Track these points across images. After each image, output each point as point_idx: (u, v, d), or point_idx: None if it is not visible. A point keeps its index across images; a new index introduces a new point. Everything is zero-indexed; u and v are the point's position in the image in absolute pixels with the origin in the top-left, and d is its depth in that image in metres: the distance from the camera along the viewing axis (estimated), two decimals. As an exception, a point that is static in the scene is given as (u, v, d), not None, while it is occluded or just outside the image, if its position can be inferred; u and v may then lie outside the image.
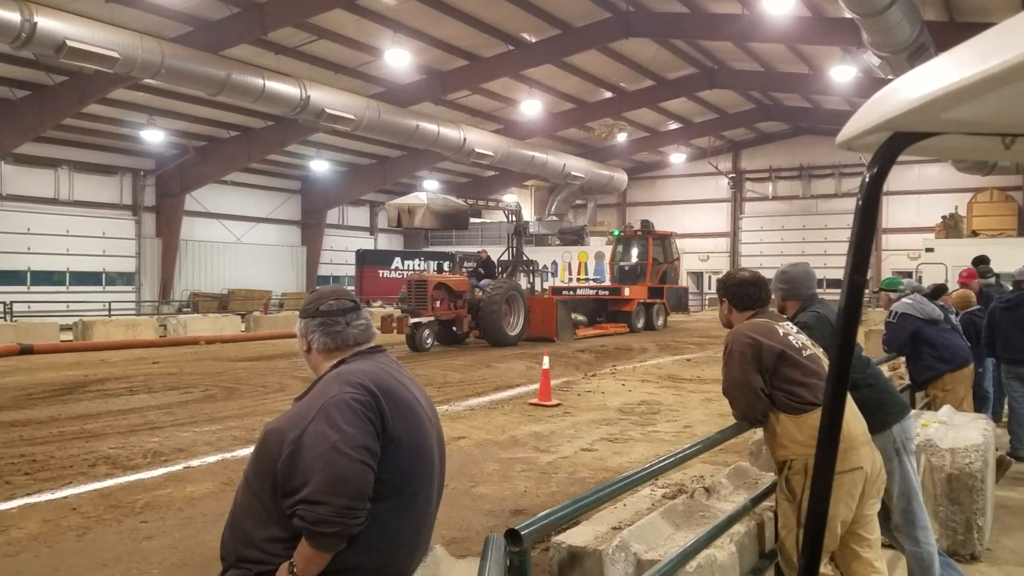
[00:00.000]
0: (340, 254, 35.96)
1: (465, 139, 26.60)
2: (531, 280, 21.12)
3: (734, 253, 40.42)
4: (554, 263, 34.11)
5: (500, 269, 20.23)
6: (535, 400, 10.36)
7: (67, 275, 26.77)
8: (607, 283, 26.13)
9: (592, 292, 24.41)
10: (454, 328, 18.05)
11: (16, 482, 6.42)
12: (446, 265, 29.83)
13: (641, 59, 25.50)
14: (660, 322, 24.13)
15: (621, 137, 32.80)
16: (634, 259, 25.26)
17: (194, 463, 7.16)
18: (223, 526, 2.60)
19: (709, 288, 39.69)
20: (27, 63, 19.18)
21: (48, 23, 15.32)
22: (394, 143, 27.98)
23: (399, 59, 21.28)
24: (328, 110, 21.47)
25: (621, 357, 16.41)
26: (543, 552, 3.82)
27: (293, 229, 34.95)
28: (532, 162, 30.73)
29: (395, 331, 16.56)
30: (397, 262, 33.94)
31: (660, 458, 3.22)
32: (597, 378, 12.85)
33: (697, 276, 41.15)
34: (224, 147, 27.89)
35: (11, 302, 22.66)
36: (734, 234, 40.71)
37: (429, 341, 17.12)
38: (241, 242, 32.38)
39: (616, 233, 27.14)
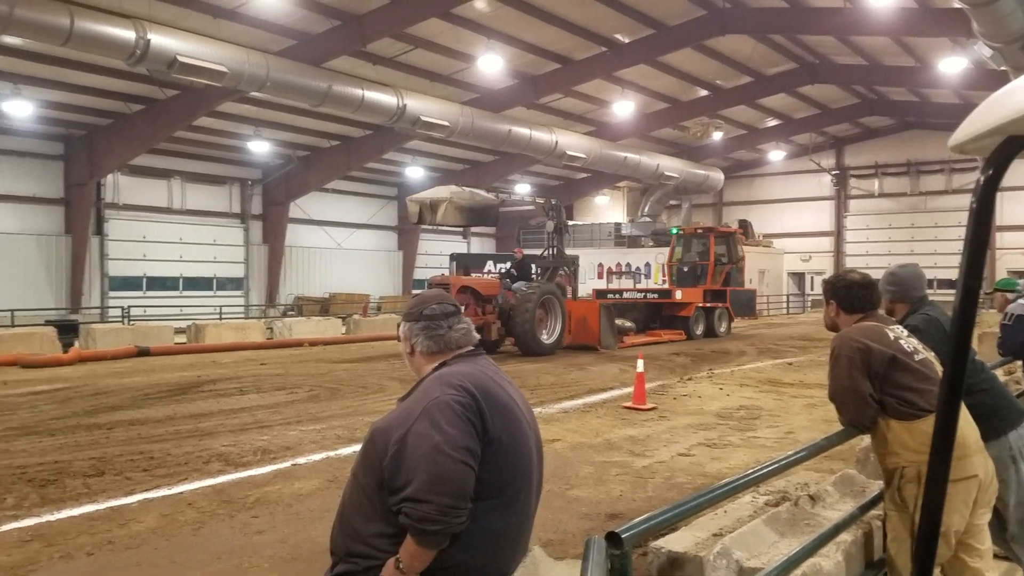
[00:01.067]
0: (435, 258, 36.55)
1: (557, 142, 26.65)
2: (571, 282, 19.25)
3: (838, 253, 39.07)
4: (647, 265, 33.73)
5: (538, 271, 18.61)
6: (629, 404, 10.29)
7: (180, 280, 28.14)
8: (664, 285, 24.82)
9: (640, 296, 22.28)
10: (482, 335, 17.16)
11: (135, 478, 6.79)
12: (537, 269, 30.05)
13: (738, 55, 24.98)
14: (723, 328, 22.12)
15: (717, 135, 32.21)
16: (694, 259, 23.46)
17: (301, 461, 7.41)
18: (330, 522, 2.70)
19: (812, 289, 38.49)
20: (141, 79, 20.26)
21: (161, 40, 16.17)
22: (487, 148, 28.30)
23: (492, 65, 21.50)
24: (423, 117, 21.90)
25: (719, 361, 16.10)
26: (641, 556, 3.80)
27: (390, 234, 35.75)
28: (624, 163, 30.50)
29: None
30: (490, 265, 34.28)
31: (763, 464, 3.15)
32: (693, 382, 12.65)
33: (798, 277, 39.97)
34: (325, 156, 28.80)
35: (129, 307, 24.01)
36: (838, 233, 39.35)
37: None
38: (341, 248, 33.33)
39: (674, 231, 25.19)
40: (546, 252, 18.83)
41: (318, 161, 29.05)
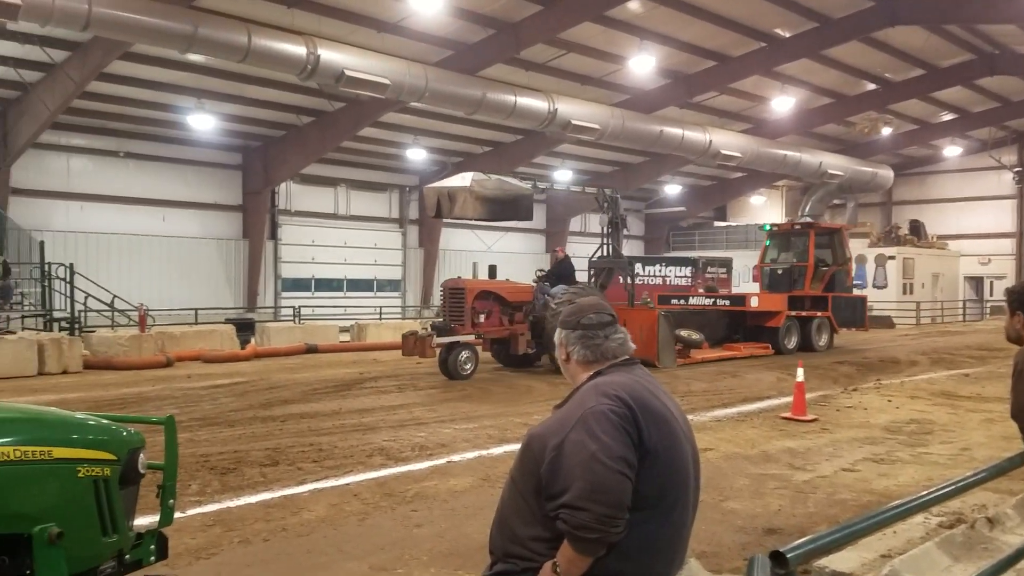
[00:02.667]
0: (581, 261, 36.62)
1: (711, 141, 26.01)
2: (628, 286, 16.54)
3: (1021, 256, 35.90)
4: (808, 268, 32.24)
5: (592, 273, 16.53)
6: (788, 414, 9.88)
7: (344, 282, 29.66)
8: (753, 291, 21.38)
9: (709, 303, 19.28)
10: (508, 348, 14.54)
11: (306, 468, 7.22)
12: (687, 271, 29.25)
13: (909, 47, 23.46)
14: (822, 341, 19.03)
15: (886, 131, 30.35)
16: (791, 261, 20.11)
17: (455, 458, 7.64)
18: (484, 519, 2.77)
19: (991, 295, 35.57)
20: (312, 92, 21.52)
21: (330, 55, 17.10)
22: (637, 149, 28.00)
23: (644, 65, 21.29)
24: (574, 121, 21.99)
25: (887, 371, 15.18)
26: (803, 575, 3.66)
27: (538, 237, 36.10)
28: (784, 161, 29.33)
29: (416, 354, 13.31)
30: (638, 268, 33.87)
31: (938, 485, 2.96)
32: (859, 393, 12.00)
33: (976, 281, 37.04)
34: (477, 162, 29.44)
35: (299, 307, 25.55)
36: (1021, 235, 36.15)
37: (469, 367, 13.47)
38: (491, 251, 34.00)
39: (766, 228, 21.60)
40: (600, 252, 16.54)
41: (470, 167, 29.68)
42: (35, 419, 2.80)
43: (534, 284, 15.13)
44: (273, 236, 27.75)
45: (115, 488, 2.84)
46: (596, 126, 22.59)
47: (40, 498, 2.60)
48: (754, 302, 18.55)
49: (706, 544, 5.10)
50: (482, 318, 13.89)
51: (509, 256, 34.43)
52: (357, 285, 29.87)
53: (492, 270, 15.81)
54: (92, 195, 23.19)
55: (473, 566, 4.54)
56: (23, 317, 17.58)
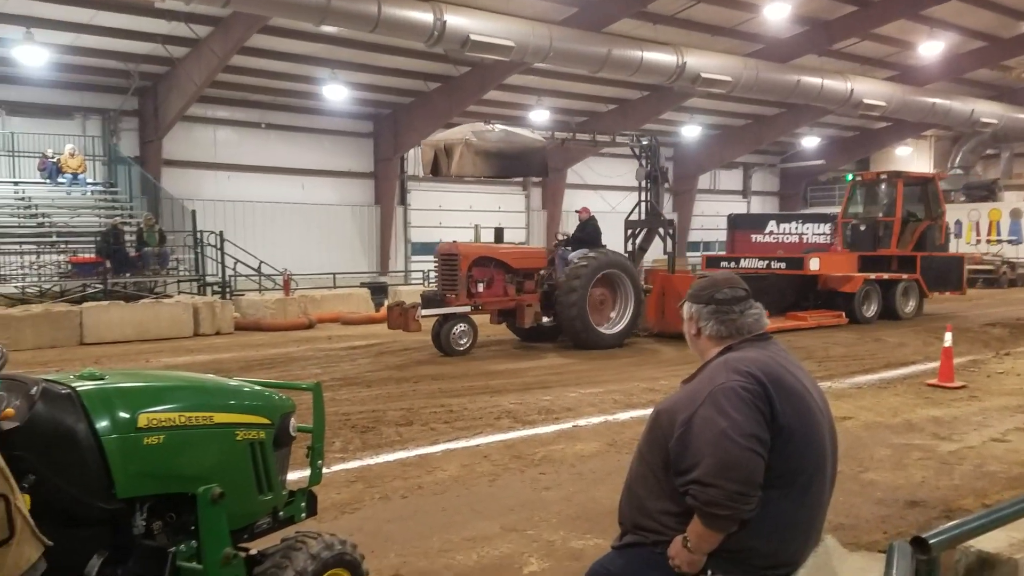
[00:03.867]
0: (711, 219, 35.66)
1: (852, 90, 24.63)
2: (668, 249, 14.82)
3: None
4: (958, 223, 30.22)
5: (632, 233, 14.87)
6: (934, 380, 9.39)
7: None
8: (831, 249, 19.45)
9: (763, 265, 16.89)
10: (513, 320, 13.07)
11: (439, 429, 7.49)
12: (826, 228, 27.95)
13: (1077, -21, 21.32)
14: (909, 307, 16.97)
15: (1047, 74, 27.84)
16: (876, 215, 18.00)
17: (581, 422, 7.72)
18: (611, 485, 2.82)
19: None
20: (438, 58, 21.79)
21: (456, 20, 17.24)
22: (771, 101, 26.85)
23: (779, 13, 20.30)
24: (704, 74, 21.31)
25: (1045, 334, 14.13)
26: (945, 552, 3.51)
27: (664, 196, 35.41)
28: (932, 110, 27.43)
29: (399, 327, 12.12)
30: (772, 226, 32.66)
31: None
32: (1011, 358, 11.24)
33: None
34: (602, 121, 29.10)
35: (428, 270, 26.21)
36: None
37: (465, 341, 12.13)
38: (615, 211, 33.59)
39: (849, 178, 19.47)
40: (638, 210, 14.86)
41: (594, 126, 29.41)
42: (198, 387, 3.04)
43: (552, 249, 13.78)
44: (403, 201, 28.49)
45: (269, 450, 3.05)
46: (728, 78, 21.81)
47: (203, 460, 2.82)
48: (814, 264, 16.28)
49: (844, 516, 4.97)
50: (481, 287, 12.43)
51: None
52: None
53: (498, 233, 14.06)
54: (237, 165, 24.42)
55: (601, 531, 4.61)
56: (178, 282, 18.88)
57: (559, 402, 8.69)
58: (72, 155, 20.13)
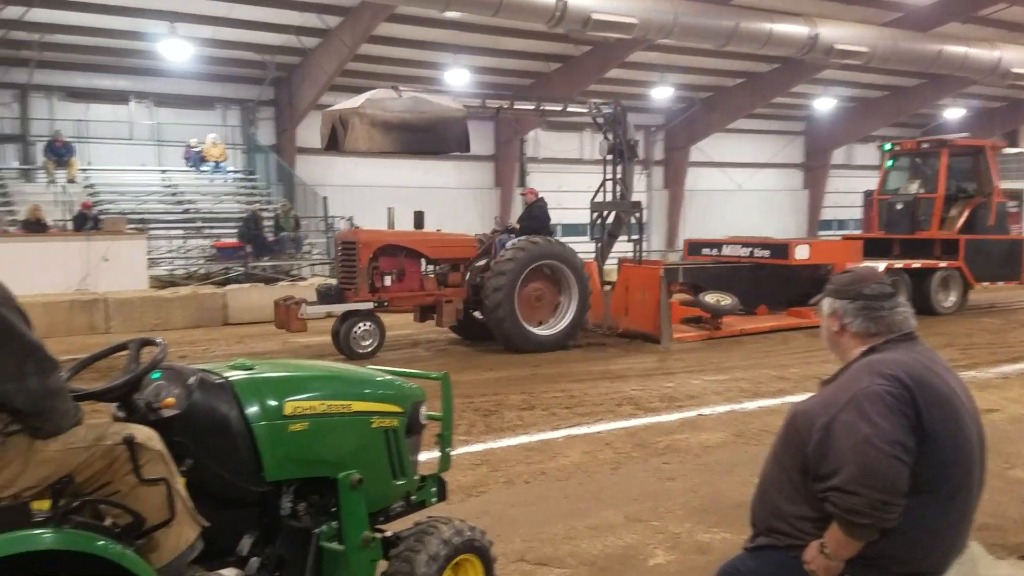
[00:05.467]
0: (845, 196, 34.11)
1: (1000, 59, 22.88)
2: (633, 235, 13.41)
3: None
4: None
5: (598, 217, 13.27)
6: (1094, 373, 8.70)
7: (588, 227, 29.90)
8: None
9: (746, 252, 14.20)
10: (431, 318, 11.23)
11: (560, 415, 7.53)
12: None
13: None
14: (948, 301, 14.38)
15: None
16: (915, 191, 15.49)
17: (705, 411, 7.59)
18: (738, 478, 2.77)
19: None
20: (559, 38, 21.70)
21: (577, 0, 17.11)
22: (911, 71, 25.31)
23: (919, -21, 19.10)
24: (837, 45, 20.30)
25: None
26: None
27: (794, 173, 34.08)
28: (1092, 77, 25.12)
29: (286, 326, 10.50)
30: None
31: None
32: None
33: None
34: (729, 96, 28.24)
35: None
36: None
37: (370, 342, 10.36)
38: (742, 189, 32.67)
39: (887, 147, 16.38)
40: (600, 191, 13.14)
41: (721, 101, 28.60)
42: (337, 377, 3.19)
43: (480, 236, 11.95)
44: (522, 183, 28.62)
45: (402, 437, 3.17)
46: (863, 49, 20.70)
47: (342, 446, 2.96)
48: (801, 253, 13.41)
49: (988, 516, 4.69)
50: (388, 280, 10.72)
51: (764, 194, 32.82)
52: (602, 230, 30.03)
53: (418, 217, 11.78)
54: (365, 151, 25.09)
55: (728, 524, 4.54)
56: (311, 265, 19.72)
57: (682, 389, 8.57)
58: (214, 144, 21.31)
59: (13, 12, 17.15)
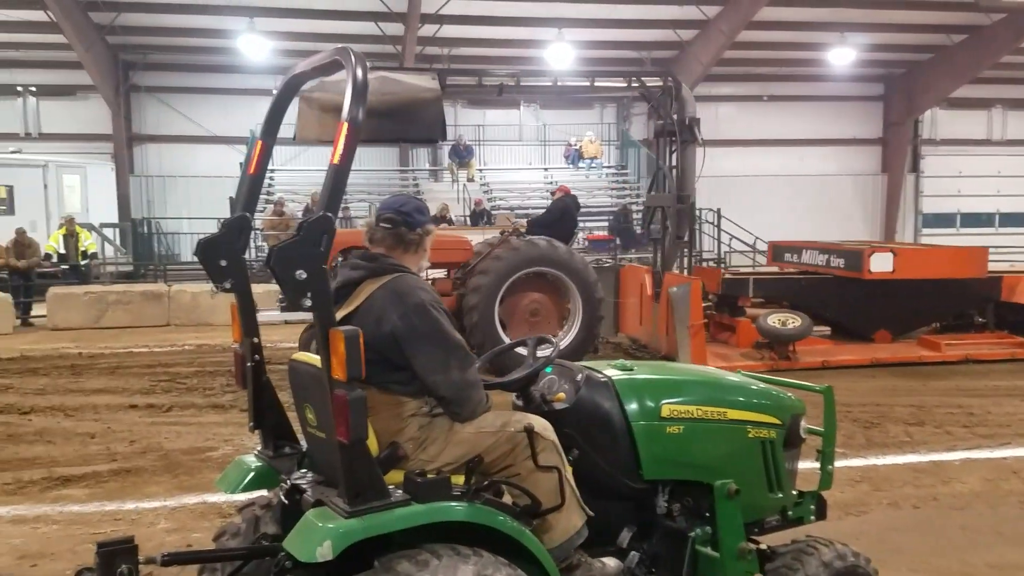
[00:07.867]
0: (951, 182, 26.20)
1: None
2: (673, 239, 10.13)
3: None
4: None
5: (651, 217, 10.51)
6: None
7: (996, 216, 26.24)
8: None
9: (822, 261, 10.43)
10: None
11: (955, 433, 6.75)
12: None
13: None
14: None
15: None
16: None
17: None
18: None
19: None
20: (963, 7, 19.29)
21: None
22: None
23: None
24: None
25: None
26: None
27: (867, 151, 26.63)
28: None
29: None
30: None
31: None
32: None
33: None
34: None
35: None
36: None
37: None
38: (788, 174, 26.11)
39: None
40: (653, 185, 10.69)
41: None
42: (713, 383, 3.20)
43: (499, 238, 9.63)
44: (914, 169, 26.03)
45: (779, 450, 3.09)
46: None
47: (716, 453, 2.97)
48: (875, 264, 9.64)
49: None
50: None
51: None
52: (1011, 220, 26.09)
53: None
54: (735, 140, 24.52)
55: None
56: (680, 258, 19.77)
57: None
58: (591, 142, 22.46)
59: (428, 31, 19.65)
